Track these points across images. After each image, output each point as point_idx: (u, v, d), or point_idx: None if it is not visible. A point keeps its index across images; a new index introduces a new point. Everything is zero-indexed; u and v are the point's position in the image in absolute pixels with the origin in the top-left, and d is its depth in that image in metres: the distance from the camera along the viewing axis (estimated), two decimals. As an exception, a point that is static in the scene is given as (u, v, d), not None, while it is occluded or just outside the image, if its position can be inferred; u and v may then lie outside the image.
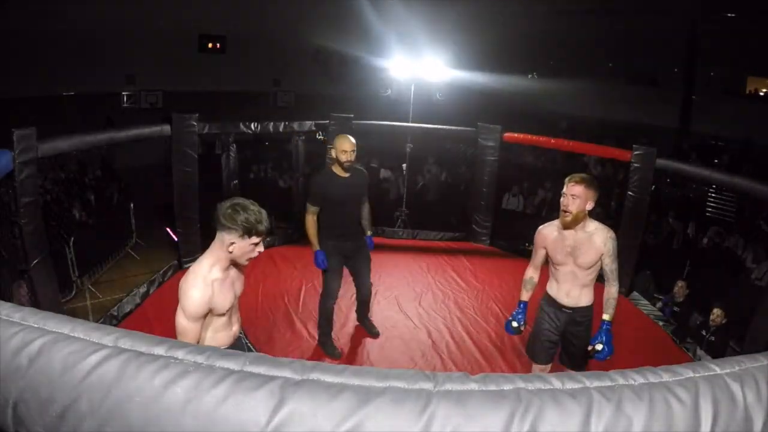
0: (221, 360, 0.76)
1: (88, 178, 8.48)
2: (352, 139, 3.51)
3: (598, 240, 2.71)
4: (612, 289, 2.81)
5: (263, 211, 2.02)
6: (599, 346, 2.76)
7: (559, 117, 12.32)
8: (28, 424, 0.75)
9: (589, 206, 2.65)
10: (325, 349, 3.85)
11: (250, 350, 2.48)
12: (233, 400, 0.71)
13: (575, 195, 2.64)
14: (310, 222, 3.54)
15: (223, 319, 2.13)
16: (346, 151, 3.45)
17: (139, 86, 11.38)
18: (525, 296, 3.07)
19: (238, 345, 2.29)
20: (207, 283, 1.99)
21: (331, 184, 3.52)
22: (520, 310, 3.05)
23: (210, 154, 5.79)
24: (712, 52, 11.29)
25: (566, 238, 2.78)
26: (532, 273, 3.07)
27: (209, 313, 2.04)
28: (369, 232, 3.84)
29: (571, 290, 2.88)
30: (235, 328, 2.24)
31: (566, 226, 2.76)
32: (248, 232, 1.96)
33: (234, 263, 2.08)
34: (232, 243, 1.97)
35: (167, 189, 5.24)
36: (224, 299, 2.06)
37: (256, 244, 2.01)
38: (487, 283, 5.22)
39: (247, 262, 2.07)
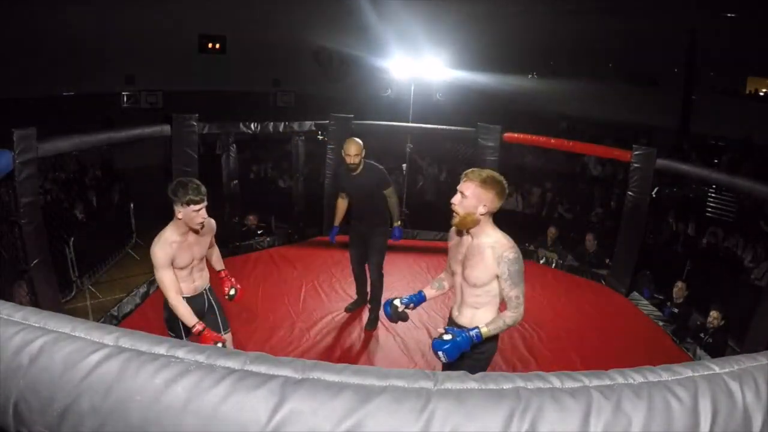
0: (222, 359, 0.76)
1: (88, 178, 8.48)
2: (355, 144, 3.88)
3: (490, 256, 2.20)
4: (509, 312, 2.26)
5: (201, 186, 2.63)
6: (447, 336, 2.18)
7: (559, 117, 12.32)
8: (29, 424, 0.75)
9: (482, 210, 2.19)
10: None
11: (212, 306, 2.96)
12: (234, 399, 0.71)
13: (464, 193, 2.21)
14: (337, 202, 4.24)
15: (184, 272, 2.75)
16: (348, 155, 3.85)
17: (139, 86, 11.37)
18: (426, 290, 2.68)
19: (198, 297, 2.85)
20: (167, 242, 2.65)
21: (343, 179, 4.07)
22: (411, 295, 2.62)
23: (210, 154, 5.80)
24: (712, 52, 11.29)
25: (462, 244, 2.36)
26: (443, 275, 2.70)
27: (173, 264, 2.66)
28: (397, 223, 4.20)
29: (461, 307, 2.42)
30: (197, 283, 2.85)
31: (457, 228, 2.36)
32: (187, 202, 2.58)
33: (190, 230, 2.70)
34: (179, 211, 2.62)
35: (167, 189, 5.24)
36: (183, 256, 2.70)
37: (197, 211, 2.61)
38: (487, 283, 5.22)
39: (198, 226, 2.67)
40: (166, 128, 4.89)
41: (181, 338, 2.77)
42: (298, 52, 12.29)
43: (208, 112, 5.41)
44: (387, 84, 9.52)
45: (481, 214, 2.20)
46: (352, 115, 6.15)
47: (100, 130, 4.71)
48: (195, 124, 5.03)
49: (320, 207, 6.27)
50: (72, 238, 5.49)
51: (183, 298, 2.72)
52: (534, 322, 4.48)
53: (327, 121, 6.01)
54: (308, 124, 5.93)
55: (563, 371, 0.81)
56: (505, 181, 2.24)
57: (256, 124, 5.51)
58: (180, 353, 0.77)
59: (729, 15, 10.66)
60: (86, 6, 9.53)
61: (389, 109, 9.16)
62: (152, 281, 4.81)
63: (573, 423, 0.72)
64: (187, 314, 2.67)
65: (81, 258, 5.54)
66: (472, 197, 2.19)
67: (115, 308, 4.35)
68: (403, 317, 2.65)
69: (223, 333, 2.92)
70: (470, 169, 2.26)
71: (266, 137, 6.81)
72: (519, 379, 0.77)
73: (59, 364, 0.75)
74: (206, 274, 2.94)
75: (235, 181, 5.61)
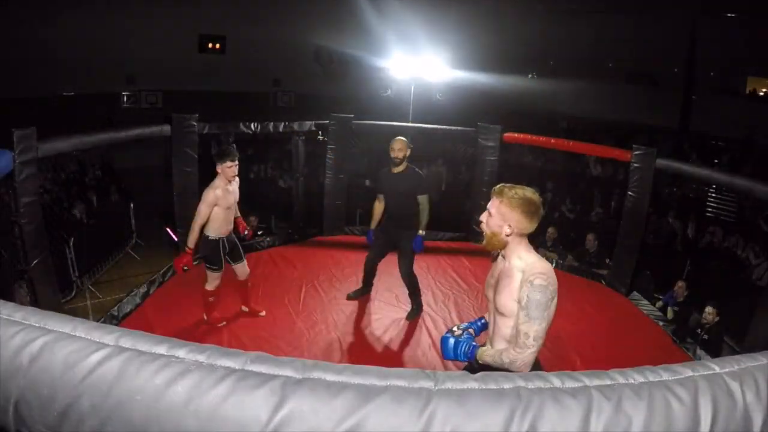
0: (222, 359, 0.76)
1: (88, 178, 8.48)
2: (400, 141, 4.14)
3: (518, 279, 1.93)
4: (511, 349, 1.92)
5: (234, 149, 3.85)
6: (456, 332, 2.12)
7: (559, 117, 12.32)
8: (29, 424, 0.75)
9: (508, 230, 1.95)
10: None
11: (236, 243, 4.05)
12: (234, 399, 0.71)
13: (490, 210, 2.01)
14: (374, 206, 4.41)
15: (226, 213, 3.83)
16: (393, 149, 4.12)
17: (139, 86, 11.38)
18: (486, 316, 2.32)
19: (230, 237, 3.96)
20: (216, 186, 3.74)
21: (382, 177, 4.29)
22: (470, 322, 2.29)
23: (207, 154, 5.80)
24: (712, 52, 11.29)
25: (496, 267, 2.11)
26: None
27: (217, 205, 3.73)
28: (420, 232, 4.21)
29: (493, 338, 2.10)
30: (230, 227, 3.94)
31: (492, 252, 2.13)
32: (223, 159, 3.73)
33: (228, 181, 3.77)
34: (220, 167, 3.72)
35: (167, 189, 5.24)
36: (226, 198, 3.78)
37: (230, 167, 3.72)
38: (487, 283, 5.22)
39: (233, 178, 3.78)
40: (166, 128, 4.89)
41: (220, 266, 3.92)
42: (298, 52, 12.29)
43: (208, 112, 5.41)
44: (387, 84, 9.51)
45: (507, 235, 1.96)
46: (352, 115, 6.15)
47: (100, 130, 4.71)
48: (195, 124, 5.02)
49: (320, 207, 6.27)
50: (72, 238, 5.49)
51: (222, 238, 3.86)
52: (534, 322, 4.47)
53: (327, 121, 6.01)
54: (308, 124, 5.93)
55: (563, 371, 0.81)
56: (537, 200, 1.96)
57: (256, 124, 5.50)
58: (180, 353, 0.77)
59: (729, 15, 10.66)
60: (86, 6, 9.53)
61: (389, 109, 9.15)
62: (152, 281, 4.81)
63: (573, 423, 0.72)
64: (193, 239, 3.74)
65: (81, 258, 5.54)
66: (496, 215, 1.98)
67: (115, 308, 4.35)
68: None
69: (241, 261, 4.11)
70: (500, 185, 2.02)
71: (266, 137, 6.80)
72: (519, 378, 0.77)
73: (60, 364, 0.75)
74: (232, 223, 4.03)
75: (235, 181, 5.60)
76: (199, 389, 0.72)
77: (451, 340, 2.08)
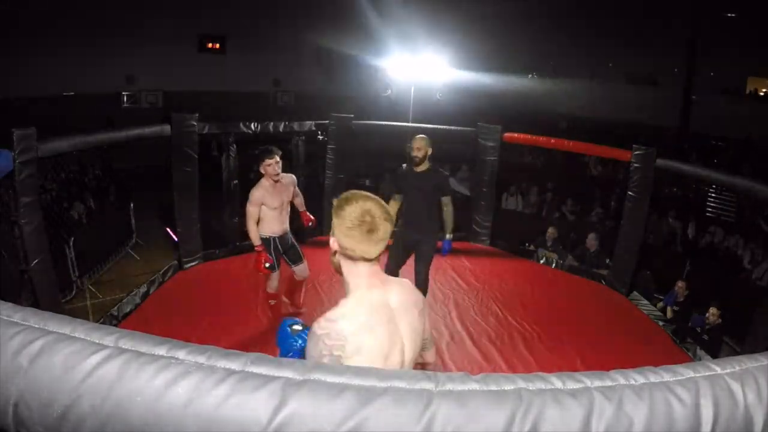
0: (222, 360, 0.76)
1: (88, 178, 8.47)
2: (421, 139, 3.98)
3: None
4: None
5: (274, 149, 3.77)
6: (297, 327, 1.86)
7: (559, 117, 12.33)
8: (28, 425, 0.75)
9: (335, 247, 1.50)
10: None
11: (294, 244, 4.07)
12: (234, 401, 0.71)
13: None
14: (390, 206, 3.99)
15: (275, 213, 3.85)
16: (412, 148, 3.97)
17: (139, 86, 11.37)
18: None
19: (285, 236, 4.00)
20: (261, 186, 3.79)
21: (402, 178, 4.08)
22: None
23: (206, 154, 5.80)
24: (712, 52, 11.30)
25: None
26: None
27: (263, 204, 3.78)
28: (448, 236, 4.11)
29: None
30: (285, 226, 3.97)
31: None
32: (261, 158, 3.76)
33: (274, 180, 3.79)
34: (261, 166, 3.76)
35: (167, 189, 5.24)
36: (273, 199, 3.81)
37: (269, 165, 3.72)
38: (487, 283, 5.22)
39: (275, 175, 3.76)
40: (166, 128, 4.89)
41: (273, 266, 3.91)
42: (298, 52, 12.28)
43: (208, 112, 5.40)
44: (387, 84, 9.51)
45: (334, 253, 1.49)
46: (352, 115, 6.15)
47: (100, 130, 4.70)
48: (195, 124, 5.02)
49: (320, 207, 6.26)
50: (72, 238, 5.49)
51: (275, 237, 3.90)
52: (534, 322, 4.48)
53: (327, 121, 6.01)
54: (308, 124, 5.93)
55: (564, 372, 0.81)
56: (363, 214, 1.39)
57: (256, 124, 5.51)
58: (180, 354, 0.77)
59: (729, 15, 10.66)
60: (86, 5, 9.52)
61: (389, 109, 9.15)
62: (152, 281, 4.80)
63: (574, 424, 0.72)
64: (254, 237, 3.79)
65: (81, 258, 5.53)
66: (331, 229, 1.48)
67: (115, 308, 4.34)
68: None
69: (300, 263, 4.11)
70: (348, 191, 1.48)
71: (266, 137, 6.80)
72: (520, 380, 0.77)
73: (59, 365, 0.75)
74: (287, 223, 4.02)
75: (235, 181, 5.61)
76: (199, 390, 0.71)
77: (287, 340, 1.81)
